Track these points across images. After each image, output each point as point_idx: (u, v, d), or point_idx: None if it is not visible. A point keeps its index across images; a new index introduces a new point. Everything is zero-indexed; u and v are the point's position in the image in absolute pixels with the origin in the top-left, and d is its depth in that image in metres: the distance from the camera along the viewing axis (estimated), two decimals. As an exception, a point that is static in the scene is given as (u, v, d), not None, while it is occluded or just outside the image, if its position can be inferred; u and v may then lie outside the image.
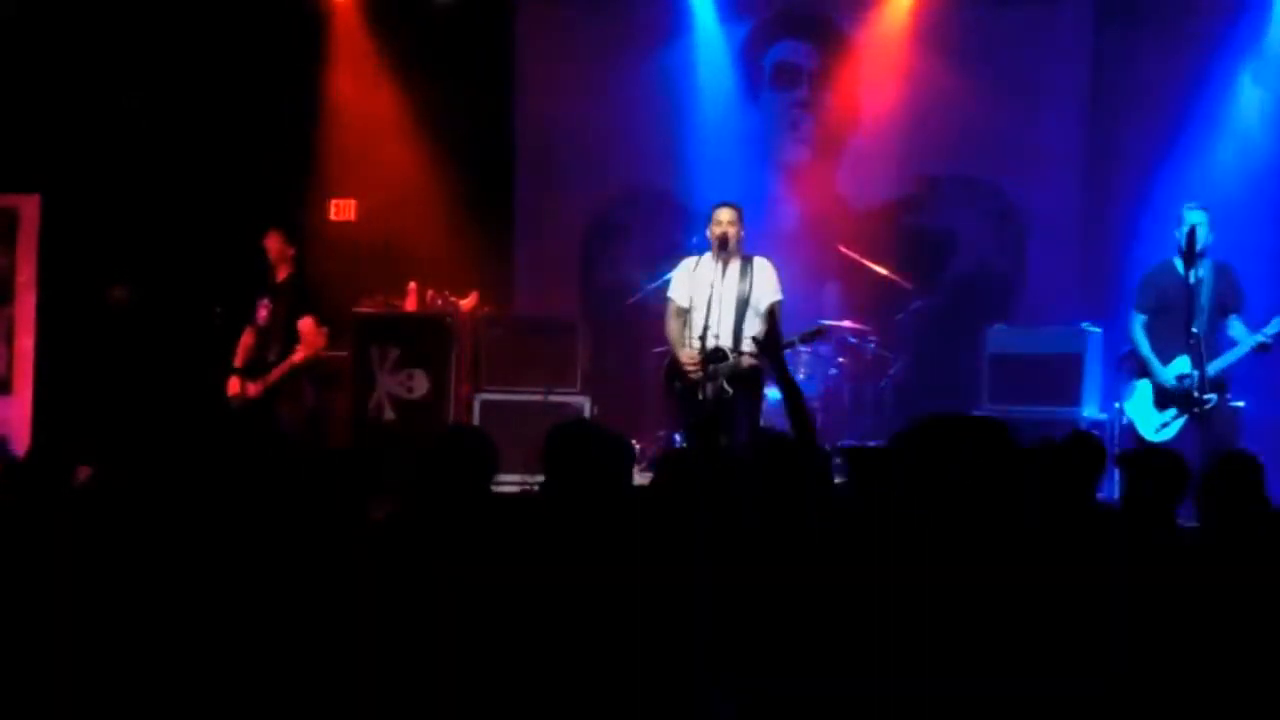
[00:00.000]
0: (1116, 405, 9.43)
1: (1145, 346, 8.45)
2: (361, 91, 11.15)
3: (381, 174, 11.13)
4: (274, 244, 9.09)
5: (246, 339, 9.16)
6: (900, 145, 11.02)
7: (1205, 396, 8.10)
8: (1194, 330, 8.10)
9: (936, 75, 10.86)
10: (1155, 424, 8.36)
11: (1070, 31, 10.87)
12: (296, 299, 9.04)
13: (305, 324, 8.96)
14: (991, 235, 11.11)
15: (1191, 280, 8.14)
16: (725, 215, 8.32)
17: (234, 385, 9.08)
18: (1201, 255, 8.23)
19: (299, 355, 8.91)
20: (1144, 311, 8.54)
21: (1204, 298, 8.18)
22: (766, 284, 8.32)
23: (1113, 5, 10.67)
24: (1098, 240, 10.74)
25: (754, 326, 8.24)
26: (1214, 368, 8.20)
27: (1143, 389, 8.53)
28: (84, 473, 4.76)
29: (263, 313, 9.09)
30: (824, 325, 8.71)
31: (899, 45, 11.00)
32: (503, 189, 11.47)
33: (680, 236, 10.31)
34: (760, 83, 11.36)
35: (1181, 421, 8.22)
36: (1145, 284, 8.59)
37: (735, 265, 8.30)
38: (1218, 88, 10.36)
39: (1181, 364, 8.24)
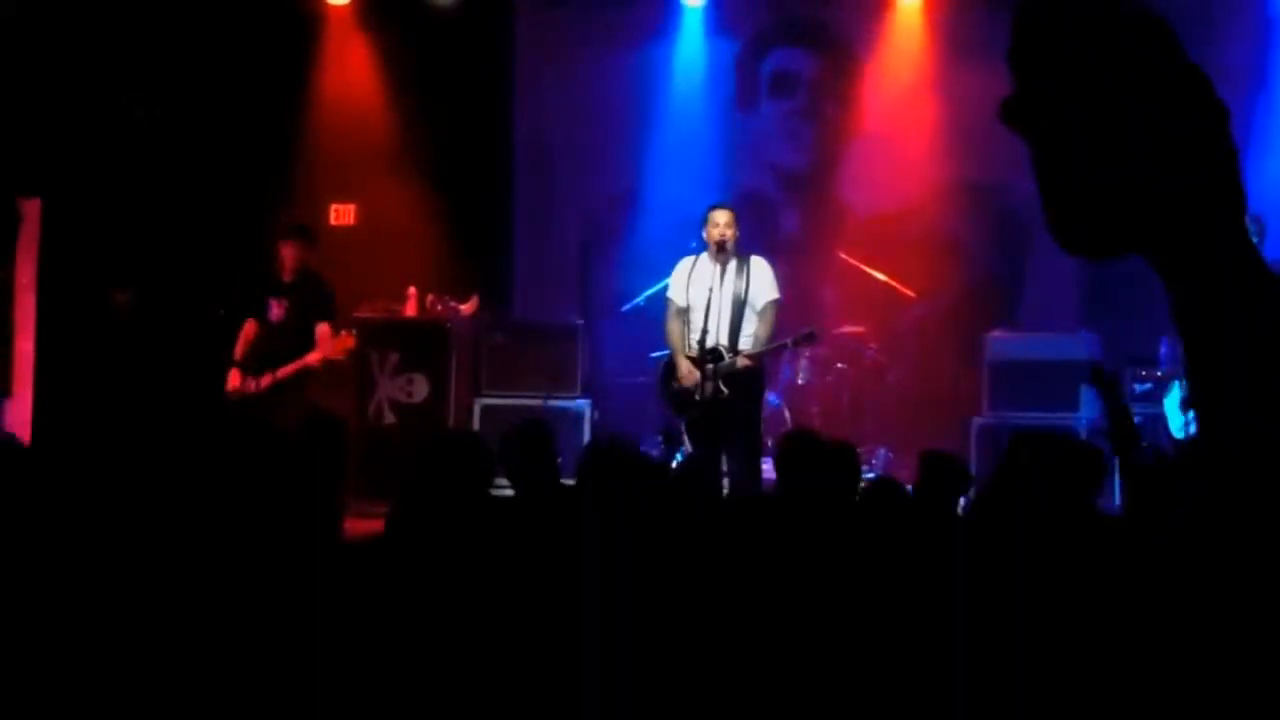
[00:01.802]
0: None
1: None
2: (361, 95, 11.15)
3: (381, 178, 11.11)
4: (290, 251, 8.97)
5: (248, 331, 8.99)
6: (900, 152, 11.01)
7: None
8: None
9: (937, 81, 10.86)
10: (1180, 423, 8.47)
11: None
12: (312, 300, 8.94)
13: (322, 329, 8.86)
14: (992, 241, 11.11)
15: None
16: (722, 217, 8.31)
17: (234, 379, 8.87)
18: None
19: (314, 357, 8.80)
20: None
21: None
22: (763, 283, 8.32)
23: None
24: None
25: (751, 325, 8.24)
26: None
27: (1177, 388, 8.65)
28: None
29: (276, 310, 8.94)
30: (814, 332, 8.68)
31: (899, 51, 11.00)
32: (502, 193, 11.47)
33: (680, 241, 10.30)
34: (759, 90, 11.36)
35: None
36: None
37: (732, 265, 8.30)
38: (1222, 92, 10.33)
39: None
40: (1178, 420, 8.55)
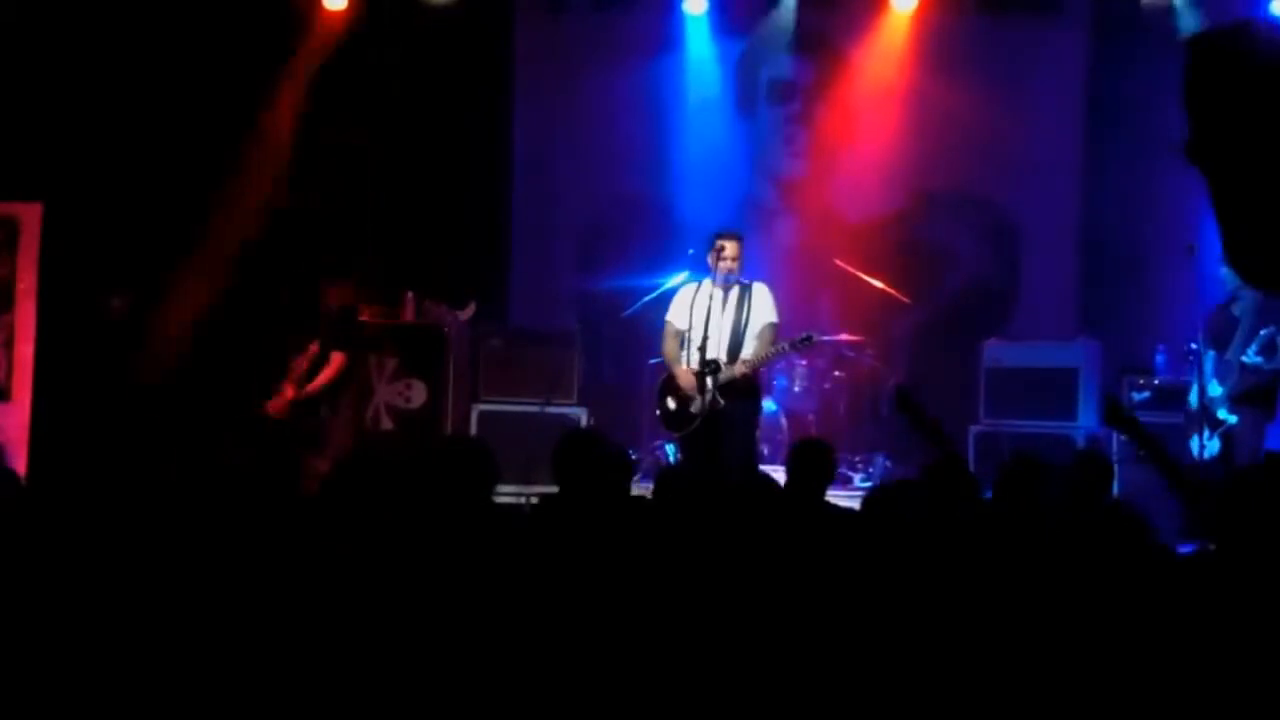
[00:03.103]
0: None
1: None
2: (358, 100, 11.16)
3: (378, 183, 11.12)
4: (333, 296, 9.13)
5: (300, 365, 9.15)
6: (896, 159, 11.04)
7: (1219, 416, 8.30)
8: (1192, 346, 8.33)
9: (932, 89, 10.89)
10: (1198, 445, 8.51)
11: (1067, 44, 10.91)
12: (341, 332, 9.11)
13: (338, 357, 9.01)
14: (987, 249, 11.14)
15: (1236, 313, 8.40)
16: (731, 250, 8.30)
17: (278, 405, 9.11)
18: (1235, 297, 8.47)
19: (318, 381, 9.00)
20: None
21: (1243, 328, 8.33)
22: (763, 308, 8.35)
23: (1109, 18, 10.71)
24: (1094, 254, 10.77)
25: (750, 348, 8.29)
26: (1215, 389, 8.36)
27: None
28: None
29: (315, 347, 9.07)
30: (811, 335, 8.70)
31: (894, 60, 11.02)
32: (500, 198, 11.48)
33: (676, 248, 10.33)
34: (756, 97, 11.38)
35: (1216, 441, 8.37)
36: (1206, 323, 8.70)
37: (734, 292, 8.34)
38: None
39: (1213, 388, 8.41)
40: (1196, 442, 8.57)
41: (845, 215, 11.20)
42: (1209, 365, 8.40)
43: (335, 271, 9.37)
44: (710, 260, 8.33)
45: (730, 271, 8.29)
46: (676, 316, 8.49)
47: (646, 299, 10.10)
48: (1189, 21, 9.76)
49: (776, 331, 8.36)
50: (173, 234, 10.60)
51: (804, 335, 8.52)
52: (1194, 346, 8.39)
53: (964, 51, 10.90)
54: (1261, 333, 8.22)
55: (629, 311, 10.35)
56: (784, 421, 10.03)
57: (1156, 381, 9.51)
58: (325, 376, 9.03)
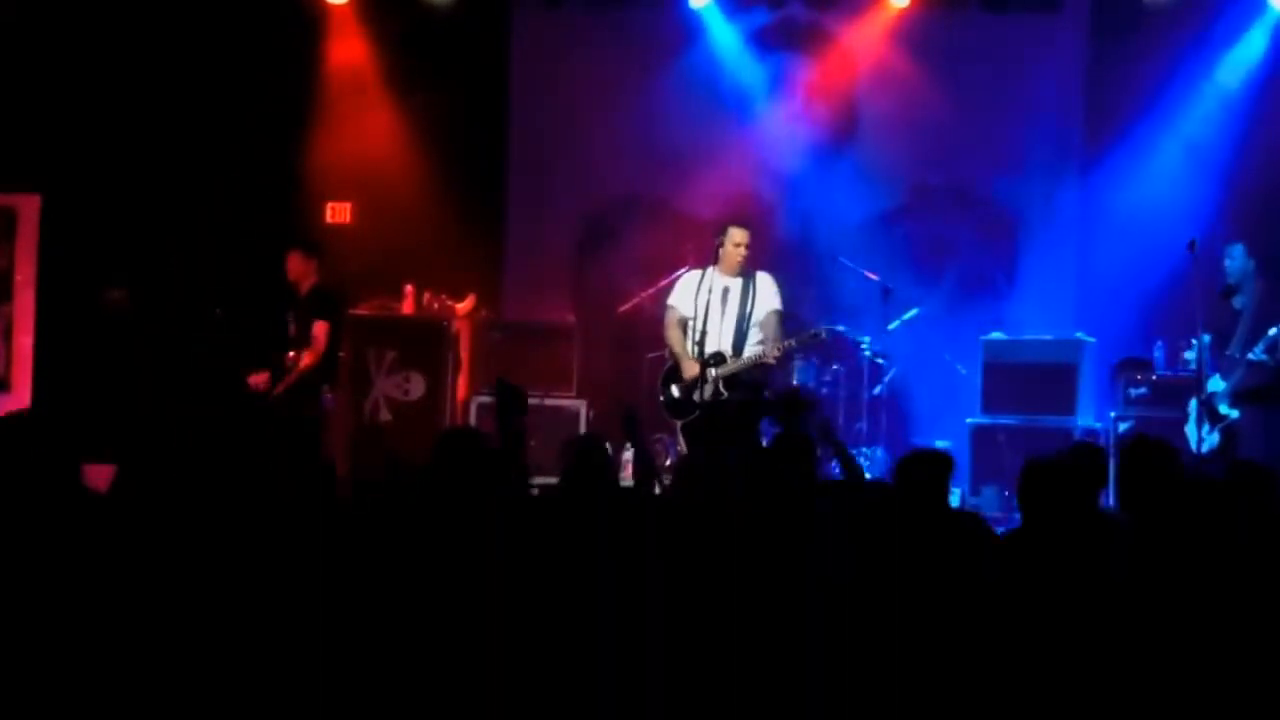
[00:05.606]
0: (1112, 415, 9.49)
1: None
2: (358, 95, 11.15)
3: (377, 177, 11.12)
4: (294, 263, 9.04)
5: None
6: (895, 155, 11.04)
7: (1222, 411, 8.34)
8: (1192, 341, 8.37)
9: (932, 85, 10.88)
10: (1196, 438, 8.51)
11: (1066, 41, 10.91)
12: (319, 306, 8.99)
13: (319, 327, 8.91)
14: (985, 244, 11.13)
15: (1238, 306, 8.50)
16: (740, 236, 8.31)
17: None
18: (1237, 289, 8.47)
19: (306, 359, 8.88)
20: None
21: (1244, 322, 8.37)
22: (767, 296, 8.35)
23: (1108, 15, 10.71)
24: (1092, 250, 10.78)
25: (756, 337, 8.28)
26: (1217, 384, 8.39)
27: (1193, 407, 8.69)
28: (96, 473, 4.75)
29: (293, 329, 9.02)
30: (821, 330, 8.71)
31: (894, 55, 11.02)
32: (497, 193, 11.47)
33: (674, 243, 10.32)
34: (756, 92, 11.36)
35: (1216, 435, 8.38)
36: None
37: (738, 281, 8.33)
38: (1212, 97, 10.40)
39: (1215, 383, 8.42)
40: (1194, 434, 8.57)
41: (845, 210, 11.19)
42: (1209, 359, 8.41)
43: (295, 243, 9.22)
44: (720, 249, 8.32)
45: (742, 262, 8.29)
46: (681, 302, 8.47)
47: (646, 293, 10.10)
48: None
49: (781, 319, 8.37)
50: (170, 226, 10.61)
51: (811, 333, 8.55)
52: (1193, 341, 8.41)
53: (964, 47, 10.90)
54: (1270, 332, 8.21)
55: (627, 305, 10.36)
56: (781, 415, 10.02)
57: (1155, 377, 9.52)
58: (313, 353, 8.91)
